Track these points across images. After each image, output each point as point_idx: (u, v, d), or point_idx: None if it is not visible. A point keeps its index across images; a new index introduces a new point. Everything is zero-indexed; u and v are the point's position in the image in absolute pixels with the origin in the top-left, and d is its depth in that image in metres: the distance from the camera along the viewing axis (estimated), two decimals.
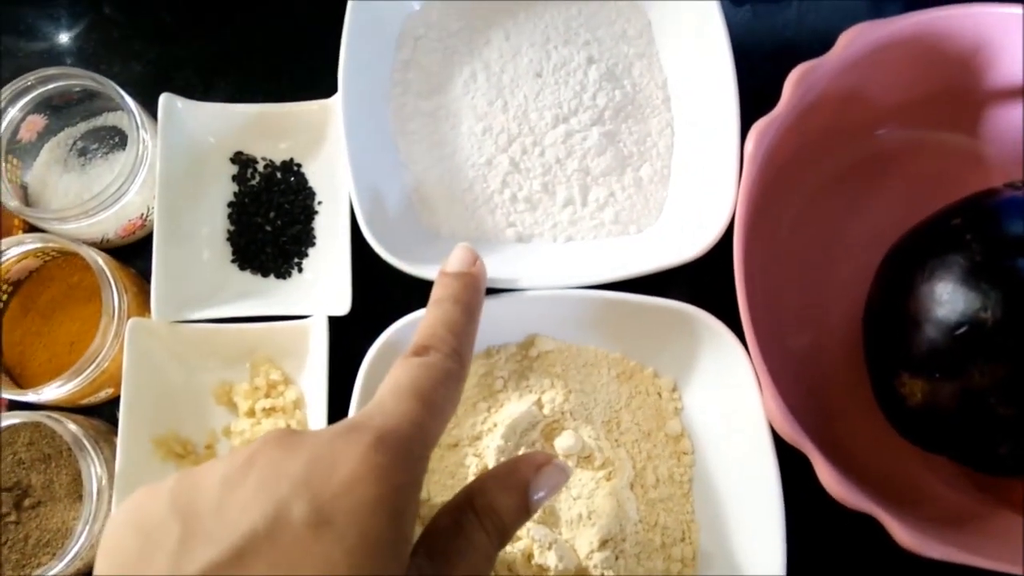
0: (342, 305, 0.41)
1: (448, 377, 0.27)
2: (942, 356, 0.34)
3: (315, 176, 0.46)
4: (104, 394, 0.43)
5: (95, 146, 0.46)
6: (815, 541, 0.37)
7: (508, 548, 0.37)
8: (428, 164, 0.44)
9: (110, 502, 0.39)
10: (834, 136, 0.44)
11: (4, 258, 0.41)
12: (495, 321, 0.39)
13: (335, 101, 0.43)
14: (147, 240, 0.44)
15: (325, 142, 0.46)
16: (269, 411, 0.41)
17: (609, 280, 0.40)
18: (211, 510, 0.22)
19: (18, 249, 0.41)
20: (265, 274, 0.45)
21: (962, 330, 0.33)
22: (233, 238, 0.45)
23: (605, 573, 0.36)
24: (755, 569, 0.37)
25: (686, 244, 0.40)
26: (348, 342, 0.40)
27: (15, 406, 0.43)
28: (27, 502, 0.40)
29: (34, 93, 0.43)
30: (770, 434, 0.37)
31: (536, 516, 0.36)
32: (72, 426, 0.38)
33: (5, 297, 0.43)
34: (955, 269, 0.34)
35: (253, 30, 0.50)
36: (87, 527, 0.38)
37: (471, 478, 0.39)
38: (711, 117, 0.43)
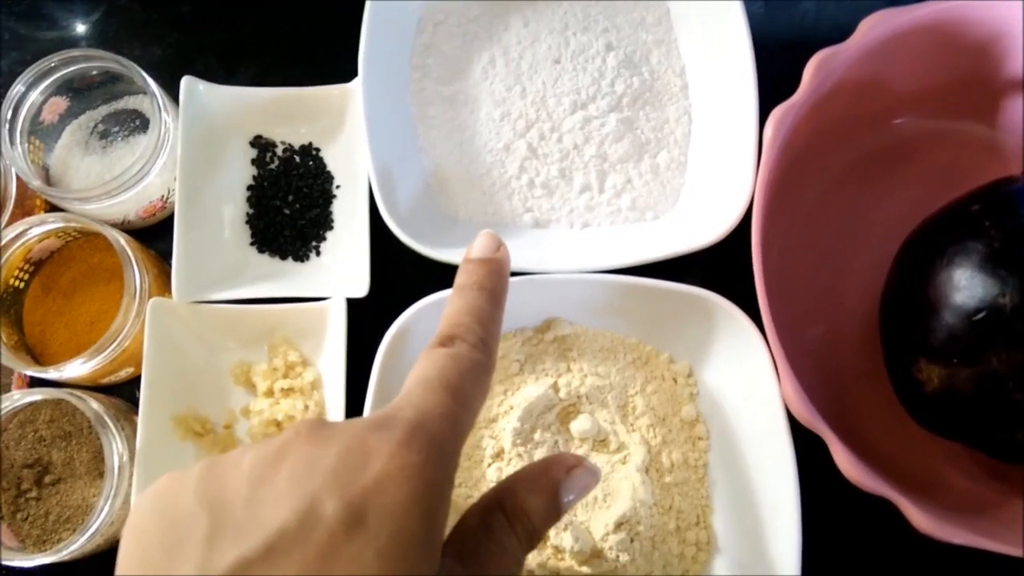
0: (360, 287, 0.42)
1: (476, 368, 0.26)
2: (960, 342, 0.34)
3: (334, 160, 0.46)
4: (124, 373, 0.43)
5: (116, 129, 0.46)
6: (830, 526, 0.37)
7: None
8: (447, 149, 0.44)
9: (130, 479, 0.39)
10: (852, 124, 0.44)
11: (27, 237, 0.41)
12: (512, 305, 0.38)
13: (355, 86, 0.43)
14: (167, 222, 0.44)
15: (344, 126, 0.46)
16: (287, 391, 0.42)
17: (625, 265, 0.40)
18: (241, 503, 0.22)
19: (40, 228, 0.41)
20: (283, 257, 0.45)
21: (980, 316, 0.33)
22: (252, 221, 0.46)
23: (620, 555, 0.37)
24: (770, 553, 0.37)
25: (703, 230, 0.40)
26: (365, 324, 0.41)
27: (36, 383, 0.43)
28: (48, 479, 0.40)
29: (56, 75, 0.43)
30: (787, 419, 0.37)
31: None
32: (94, 403, 0.39)
33: (27, 277, 0.43)
34: (973, 255, 0.34)
35: (274, 16, 0.50)
36: (108, 503, 0.38)
37: (487, 460, 0.39)
38: (729, 105, 0.43)
